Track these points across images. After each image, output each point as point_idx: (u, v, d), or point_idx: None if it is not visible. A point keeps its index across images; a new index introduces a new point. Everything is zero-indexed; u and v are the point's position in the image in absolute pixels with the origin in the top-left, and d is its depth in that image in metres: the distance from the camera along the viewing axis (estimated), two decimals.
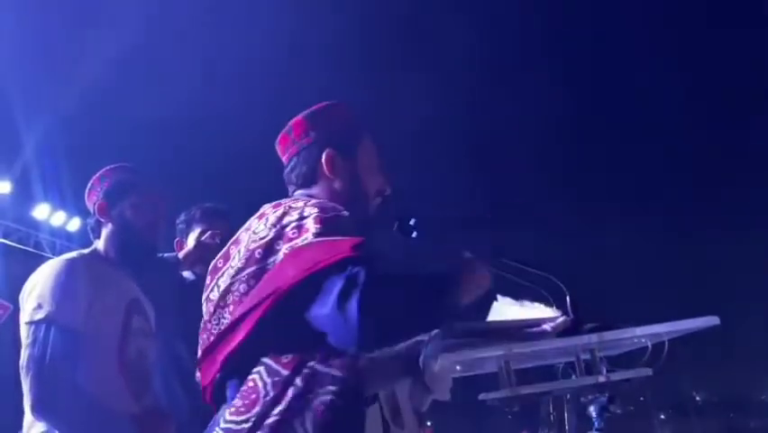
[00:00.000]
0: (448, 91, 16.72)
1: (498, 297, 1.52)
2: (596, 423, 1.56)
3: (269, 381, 1.26)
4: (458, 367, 1.41)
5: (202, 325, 1.45)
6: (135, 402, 1.89)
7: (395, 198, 1.58)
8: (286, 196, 1.56)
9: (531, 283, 1.49)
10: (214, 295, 1.42)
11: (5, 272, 8.37)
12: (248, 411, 1.26)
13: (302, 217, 1.31)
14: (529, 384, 1.40)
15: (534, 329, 1.40)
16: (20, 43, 9.81)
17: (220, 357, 1.35)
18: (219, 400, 1.41)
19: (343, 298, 1.17)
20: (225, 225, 2.34)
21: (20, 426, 2.05)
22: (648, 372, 1.37)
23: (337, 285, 1.19)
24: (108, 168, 2.07)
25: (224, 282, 1.40)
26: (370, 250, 1.26)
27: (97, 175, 2.06)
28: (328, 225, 1.29)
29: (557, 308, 1.46)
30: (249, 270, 1.34)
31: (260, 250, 1.33)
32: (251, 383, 1.29)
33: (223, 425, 1.29)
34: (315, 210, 1.32)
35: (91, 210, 2.05)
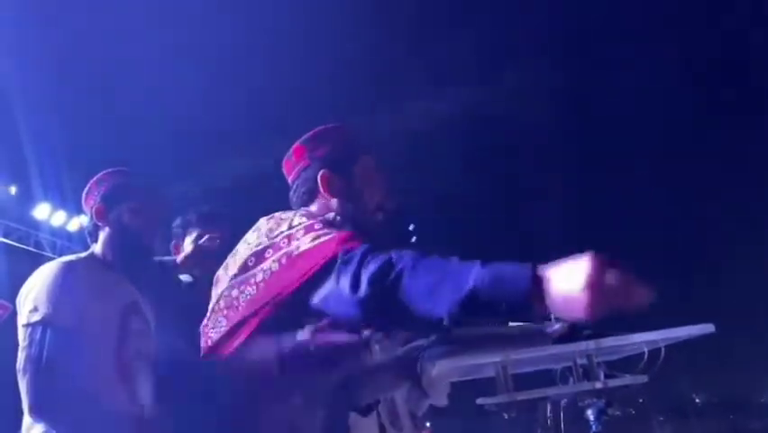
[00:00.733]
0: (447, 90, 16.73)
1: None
2: (594, 427, 1.57)
3: None
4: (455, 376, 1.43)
5: (201, 328, 1.50)
6: (133, 403, 1.89)
7: (398, 211, 1.61)
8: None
9: None
10: (213, 302, 1.49)
11: (6, 272, 8.38)
12: None
13: (291, 227, 1.39)
14: (527, 390, 1.41)
15: (533, 335, 1.42)
16: (21, 43, 9.83)
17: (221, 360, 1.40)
18: None
19: (345, 272, 1.23)
20: (222, 228, 2.34)
21: (18, 424, 2.06)
22: (644, 378, 1.38)
23: (338, 269, 1.25)
24: (106, 172, 2.08)
25: (221, 290, 1.47)
26: (359, 239, 1.32)
27: (95, 179, 2.06)
28: (317, 229, 1.36)
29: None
30: (240, 276, 1.41)
31: (252, 258, 1.40)
32: None
33: None
34: (304, 219, 1.40)
35: (88, 214, 2.05)
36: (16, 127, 9.31)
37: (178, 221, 2.39)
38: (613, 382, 1.40)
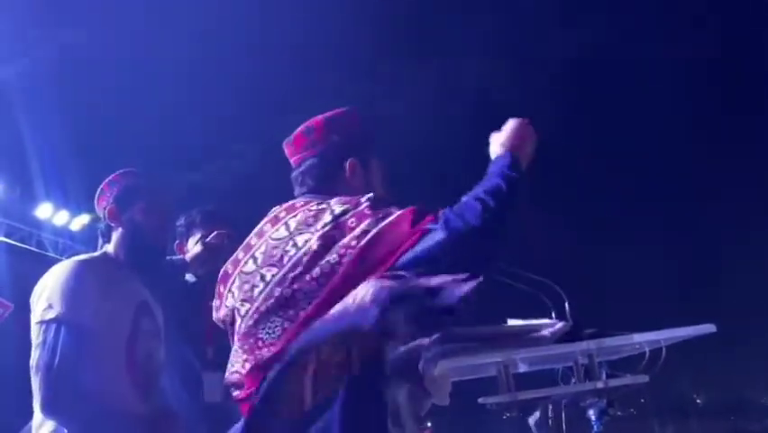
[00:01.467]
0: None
1: (509, 320, 1.53)
2: (595, 427, 1.57)
3: None
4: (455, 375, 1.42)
5: (241, 334, 1.40)
6: (143, 403, 1.90)
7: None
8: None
9: (530, 289, 1.51)
10: (244, 305, 1.40)
11: (8, 271, 8.39)
12: None
13: (337, 215, 1.35)
14: (528, 389, 1.41)
15: (533, 335, 1.42)
16: (23, 44, 9.84)
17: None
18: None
19: (448, 224, 1.30)
20: (225, 228, 2.35)
21: (21, 424, 2.07)
22: (645, 378, 1.38)
23: (438, 226, 1.30)
24: (118, 173, 2.10)
25: (255, 289, 1.38)
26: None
27: (107, 180, 2.09)
28: (375, 209, 1.34)
29: (556, 313, 1.47)
30: (284, 273, 1.33)
31: (292, 252, 1.34)
32: None
33: None
34: (347, 205, 1.37)
35: (101, 215, 2.08)
36: (18, 127, 9.33)
37: (181, 220, 2.40)
38: (614, 382, 1.40)
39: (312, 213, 1.38)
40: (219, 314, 1.51)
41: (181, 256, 2.32)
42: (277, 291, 1.34)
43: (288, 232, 1.38)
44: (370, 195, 1.41)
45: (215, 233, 2.30)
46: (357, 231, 1.31)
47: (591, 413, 1.55)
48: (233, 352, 1.44)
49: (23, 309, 2.24)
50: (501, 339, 1.42)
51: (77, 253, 9.22)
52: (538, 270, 1.50)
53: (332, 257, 1.30)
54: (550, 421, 1.47)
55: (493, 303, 1.52)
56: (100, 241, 2.09)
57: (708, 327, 1.39)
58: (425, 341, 1.34)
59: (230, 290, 1.45)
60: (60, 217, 9.52)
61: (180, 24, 12.21)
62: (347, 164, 1.54)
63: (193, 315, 2.10)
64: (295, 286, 1.32)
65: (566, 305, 1.47)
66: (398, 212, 1.33)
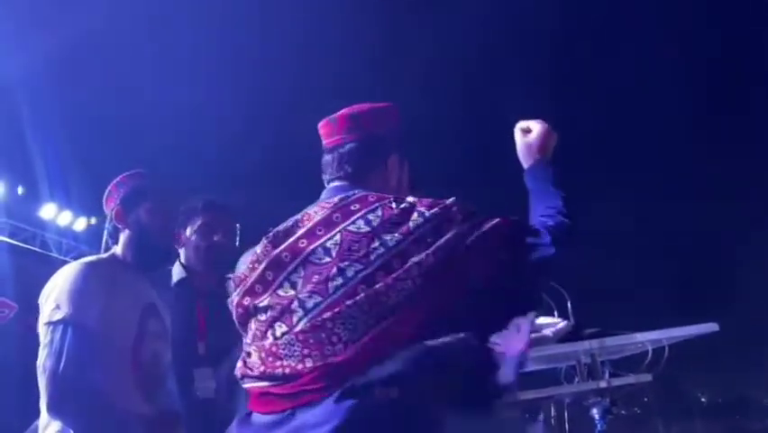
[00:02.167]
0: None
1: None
2: (599, 425, 1.57)
3: None
4: None
5: (307, 327, 1.32)
6: (148, 404, 1.91)
7: None
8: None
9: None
10: (313, 297, 1.33)
11: (12, 272, 8.40)
12: None
13: (448, 208, 1.34)
14: (531, 389, 1.41)
15: (536, 335, 1.42)
16: (28, 44, 9.86)
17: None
18: None
19: (556, 240, 1.29)
20: (225, 218, 2.35)
21: (23, 423, 2.08)
22: (648, 377, 1.38)
23: (542, 238, 1.31)
24: (125, 174, 2.10)
25: (327, 282, 1.32)
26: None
27: (115, 182, 2.09)
28: (456, 213, 1.33)
29: (558, 313, 1.47)
30: (405, 273, 1.28)
31: (405, 252, 1.30)
32: None
33: None
34: (450, 203, 1.36)
35: (109, 216, 2.09)
36: (22, 128, 9.35)
37: (182, 208, 2.37)
38: (617, 381, 1.40)
39: (396, 211, 1.33)
40: (258, 300, 1.39)
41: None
42: (361, 289, 1.28)
43: (369, 227, 1.32)
44: (453, 198, 1.36)
45: (221, 233, 2.30)
46: (450, 235, 1.28)
47: (595, 412, 1.55)
48: (280, 344, 1.34)
49: (27, 310, 2.25)
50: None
51: (81, 254, 9.25)
52: None
53: (425, 261, 1.26)
54: (553, 421, 1.47)
55: None
56: (103, 241, 2.09)
57: (711, 327, 1.39)
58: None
59: (287, 279, 1.37)
60: (64, 218, 9.55)
61: (186, 26, 12.23)
62: (390, 159, 1.51)
63: (184, 311, 2.10)
64: (383, 287, 1.26)
65: (568, 304, 1.47)
66: (495, 220, 1.30)
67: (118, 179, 2.09)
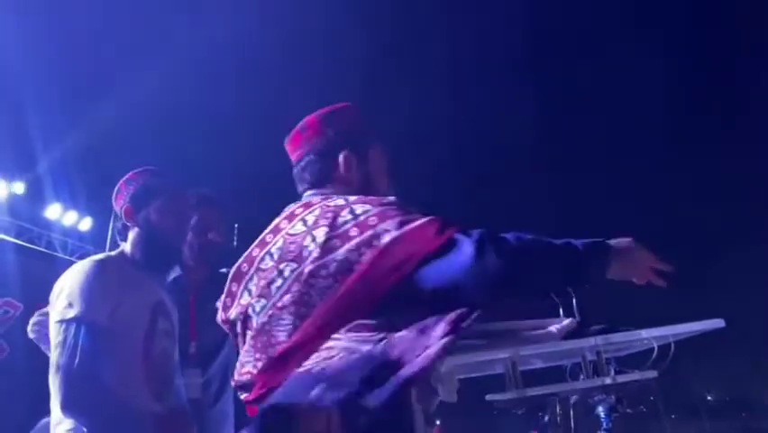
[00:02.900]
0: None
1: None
2: (604, 423, 1.57)
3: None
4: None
5: (255, 332, 1.37)
6: (158, 402, 1.91)
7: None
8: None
9: None
10: (260, 301, 1.37)
11: (18, 272, 8.43)
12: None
13: (357, 214, 1.33)
14: (536, 386, 1.40)
15: (541, 331, 1.41)
16: (33, 43, 9.89)
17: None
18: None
19: (480, 248, 1.22)
20: (220, 215, 2.35)
21: (31, 420, 2.09)
22: (654, 374, 1.37)
23: (466, 243, 1.24)
24: (135, 172, 2.09)
25: (270, 285, 1.36)
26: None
27: (124, 179, 2.08)
28: (400, 214, 1.31)
29: (563, 309, 1.47)
30: (330, 267, 1.30)
31: (311, 247, 1.32)
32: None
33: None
34: (368, 206, 1.34)
35: (118, 214, 2.08)
36: (27, 128, 9.38)
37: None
38: (623, 378, 1.39)
39: (330, 210, 1.36)
40: (228, 313, 1.46)
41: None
42: (294, 287, 1.31)
43: (305, 227, 1.35)
44: (393, 198, 1.38)
45: (214, 232, 2.30)
46: (377, 231, 1.28)
47: (600, 410, 1.55)
48: (243, 352, 1.40)
49: (32, 310, 2.25)
50: (509, 336, 1.41)
51: (87, 253, 9.27)
52: None
53: (350, 255, 1.28)
54: (559, 418, 1.46)
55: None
56: (109, 239, 2.09)
57: (717, 322, 1.38)
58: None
59: (245, 288, 1.42)
60: (69, 218, 9.57)
61: (189, 25, 12.24)
62: (341, 158, 1.53)
63: (178, 309, 2.10)
64: (311, 282, 1.29)
65: (573, 301, 1.47)
66: (424, 218, 1.30)
67: (128, 176, 2.07)
